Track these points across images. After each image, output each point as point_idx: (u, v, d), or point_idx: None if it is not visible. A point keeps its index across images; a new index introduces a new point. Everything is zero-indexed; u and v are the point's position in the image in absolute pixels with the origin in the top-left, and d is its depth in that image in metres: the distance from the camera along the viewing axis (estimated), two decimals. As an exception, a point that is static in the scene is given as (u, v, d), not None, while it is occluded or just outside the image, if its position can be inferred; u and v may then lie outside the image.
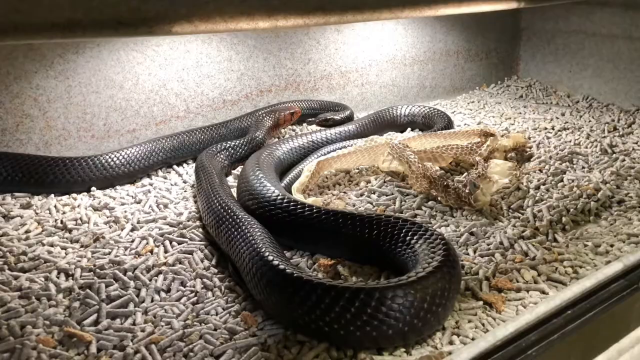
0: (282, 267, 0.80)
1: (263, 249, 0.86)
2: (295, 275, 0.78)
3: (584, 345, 0.71)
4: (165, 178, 1.36)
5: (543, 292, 0.89)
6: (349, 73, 1.79)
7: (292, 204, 1.02)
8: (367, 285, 0.76)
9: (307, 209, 1.00)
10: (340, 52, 1.74)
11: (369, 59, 1.82)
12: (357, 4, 1.06)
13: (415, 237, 0.89)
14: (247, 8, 1.05)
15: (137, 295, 0.89)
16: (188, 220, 1.13)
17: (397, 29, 1.86)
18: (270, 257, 0.83)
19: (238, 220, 0.98)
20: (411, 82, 1.97)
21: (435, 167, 1.30)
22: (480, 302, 0.86)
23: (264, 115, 1.53)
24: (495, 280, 0.91)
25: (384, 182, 1.32)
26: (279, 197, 1.04)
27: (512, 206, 1.21)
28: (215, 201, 1.06)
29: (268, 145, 1.32)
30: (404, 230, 0.91)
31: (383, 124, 1.68)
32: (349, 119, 1.67)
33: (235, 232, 0.96)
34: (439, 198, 1.23)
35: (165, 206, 1.21)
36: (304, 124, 1.68)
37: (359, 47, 1.78)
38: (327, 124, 1.62)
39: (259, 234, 0.92)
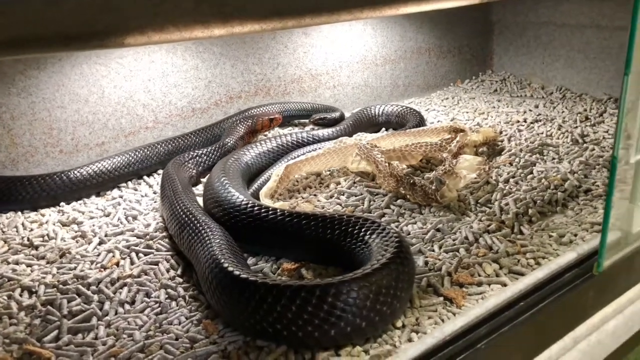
0: (233, 270, 0.81)
1: (218, 254, 0.86)
2: (248, 278, 0.78)
3: (537, 336, 0.72)
4: (136, 190, 1.36)
5: (504, 285, 0.89)
6: (320, 75, 1.79)
7: (255, 208, 1.02)
8: (310, 282, 0.76)
9: (269, 213, 1.00)
10: (309, 55, 1.74)
11: (339, 61, 1.83)
12: (314, 7, 1.06)
13: (370, 234, 0.89)
14: (201, 16, 1.05)
15: (101, 309, 0.89)
16: (155, 231, 1.13)
17: (366, 29, 1.87)
18: (224, 262, 0.83)
19: (199, 226, 0.98)
20: (384, 82, 1.97)
21: (402, 165, 1.30)
22: (441, 298, 0.87)
23: (238, 121, 1.53)
24: (457, 275, 0.92)
25: (354, 182, 1.32)
26: (243, 203, 1.04)
27: (479, 200, 1.22)
28: (178, 208, 1.06)
29: (236, 151, 1.32)
30: (360, 228, 0.91)
31: (362, 124, 1.69)
32: (342, 118, 1.71)
33: (196, 238, 0.96)
34: (407, 196, 1.23)
35: (135, 218, 1.21)
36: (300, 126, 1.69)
37: (328, 49, 1.79)
38: (323, 122, 1.68)
39: (217, 239, 0.92)
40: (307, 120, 1.77)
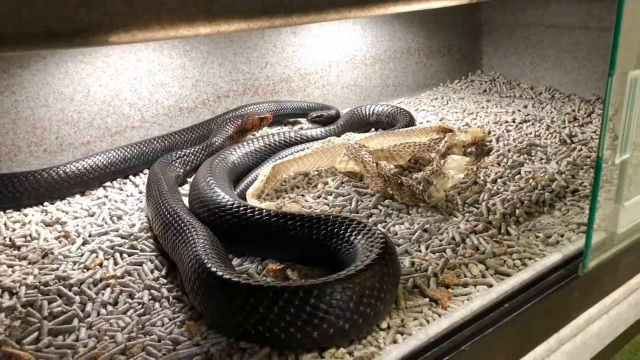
0: (216, 270, 0.80)
1: (201, 254, 0.85)
2: (230, 279, 0.77)
3: (522, 337, 0.71)
4: (121, 189, 1.34)
5: (490, 286, 0.89)
6: (309, 75, 1.79)
7: (241, 208, 1.01)
8: (293, 284, 0.75)
9: (255, 213, 0.99)
10: (298, 55, 1.73)
11: (329, 60, 1.82)
12: (302, 6, 1.05)
13: (355, 235, 0.88)
14: (187, 14, 1.04)
15: (82, 310, 0.88)
16: (140, 231, 1.12)
17: (355, 29, 1.86)
18: (207, 262, 0.82)
19: (183, 226, 0.97)
20: (373, 82, 1.97)
21: (390, 165, 1.30)
22: (427, 299, 0.86)
23: (227, 120, 1.52)
24: (443, 276, 0.91)
25: (342, 183, 1.31)
26: (229, 203, 1.03)
27: (467, 201, 1.22)
28: (162, 207, 1.05)
29: (222, 150, 1.31)
30: (346, 229, 0.90)
31: (353, 124, 1.68)
32: (338, 116, 1.70)
33: (180, 238, 0.95)
34: (395, 196, 1.23)
35: (119, 218, 1.19)
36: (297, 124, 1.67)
37: (317, 49, 1.78)
38: (320, 120, 1.66)
39: (201, 239, 0.91)
40: (300, 120, 1.77)
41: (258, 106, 1.66)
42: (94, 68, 1.36)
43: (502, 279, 0.90)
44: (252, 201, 1.17)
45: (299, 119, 1.78)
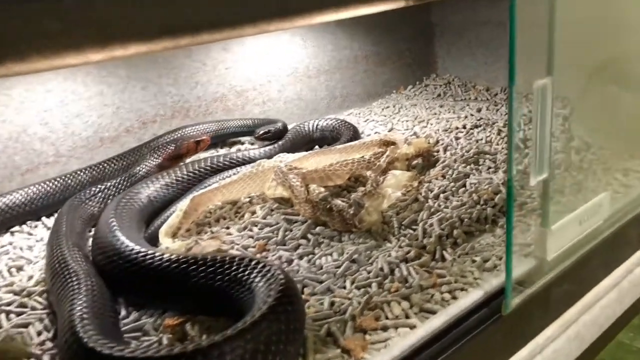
0: (83, 338, 0.69)
1: (75, 315, 0.74)
2: (95, 348, 0.66)
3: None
4: (30, 234, 1.22)
5: (412, 327, 0.78)
6: (246, 92, 1.68)
7: (135, 254, 0.90)
8: (175, 349, 0.65)
9: (149, 258, 0.88)
10: (232, 71, 1.63)
11: (267, 75, 1.71)
12: (213, 22, 0.95)
13: (254, 277, 0.78)
14: (72, 41, 0.92)
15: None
16: (36, 285, 1.00)
17: (294, 40, 1.76)
18: (78, 327, 0.71)
19: (67, 276, 0.86)
20: (319, 94, 1.87)
21: (320, 189, 1.19)
22: (339, 350, 0.75)
23: (156, 146, 1.41)
24: (360, 319, 0.80)
25: (271, 210, 1.20)
26: (125, 248, 0.92)
27: (404, 222, 1.11)
28: (53, 254, 0.95)
29: (135, 185, 1.20)
30: (244, 271, 0.80)
31: (296, 143, 1.58)
32: (286, 128, 1.59)
33: (62, 292, 0.84)
34: (327, 222, 1.12)
35: (20, 269, 1.07)
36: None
37: (253, 64, 1.67)
38: (268, 136, 1.54)
39: (82, 294, 0.80)
40: (242, 139, 1.66)
41: (196, 127, 1.55)
42: (-5, 103, 1.25)
43: (427, 318, 0.80)
44: (165, 241, 1.06)
45: (240, 139, 1.67)
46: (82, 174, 1.33)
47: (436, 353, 0.64)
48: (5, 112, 1.26)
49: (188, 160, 1.39)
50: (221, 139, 1.63)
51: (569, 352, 0.73)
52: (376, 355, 0.67)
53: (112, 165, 1.40)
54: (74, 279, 0.85)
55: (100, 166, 1.37)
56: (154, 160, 1.37)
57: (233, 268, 0.81)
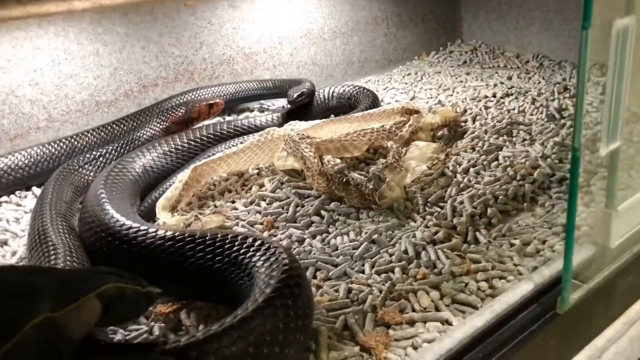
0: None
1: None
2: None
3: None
4: (19, 205, 1.12)
5: (446, 323, 0.67)
6: (256, 55, 1.55)
7: (130, 230, 0.79)
8: (169, 344, 0.54)
9: (141, 235, 0.77)
10: (240, 32, 1.49)
11: (279, 37, 1.58)
12: None
13: (252, 258, 0.67)
14: (52, -17, 0.78)
15: None
16: (20, 261, 0.90)
17: (308, -2, 1.61)
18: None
19: (46, 249, 0.75)
20: (335, 59, 1.72)
21: (336, 160, 1.07)
22: (357, 348, 0.64)
23: (164, 110, 1.28)
24: (382, 312, 0.69)
25: (281, 184, 1.08)
26: (114, 222, 0.81)
27: (430, 199, 0.99)
28: (34, 224, 0.84)
29: (129, 153, 1.08)
30: (244, 251, 0.68)
31: (313, 110, 1.44)
32: (314, 90, 1.42)
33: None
34: (343, 198, 1.00)
35: (4, 244, 0.97)
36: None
37: (264, 24, 1.53)
38: (303, 99, 1.36)
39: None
40: (254, 105, 1.53)
41: (210, 90, 1.42)
42: (-22, 60, 1.14)
43: (462, 312, 0.68)
44: (162, 215, 0.95)
45: (249, 105, 1.55)
46: (90, 135, 1.23)
47: (483, 356, 0.52)
48: (-10, 71, 1.15)
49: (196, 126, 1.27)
50: (239, 102, 1.51)
51: (631, 354, 0.62)
52: (409, 357, 0.56)
53: (124, 126, 1.28)
54: (52, 253, 0.74)
55: (110, 127, 1.26)
56: (160, 123, 1.25)
57: (231, 248, 0.70)
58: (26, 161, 1.14)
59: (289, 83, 1.48)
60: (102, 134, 1.25)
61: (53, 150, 1.17)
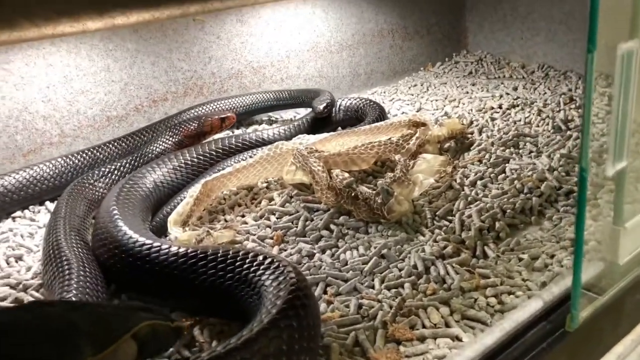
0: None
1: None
2: None
3: None
4: (32, 220, 1.14)
5: (456, 339, 0.68)
6: (263, 68, 1.56)
7: (144, 247, 0.81)
8: None
9: (154, 252, 0.78)
10: (248, 46, 1.51)
11: (286, 50, 1.59)
12: None
13: (260, 275, 0.68)
14: (66, 6, 0.81)
15: None
16: (34, 277, 0.92)
17: (315, 12, 1.63)
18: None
19: (59, 264, 0.77)
20: (342, 71, 1.74)
21: (345, 174, 1.08)
22: (368, 365, 0.65)
23: (175, 124, 1.30)
24: (393, 327, 0.70)
25: (290, 197, 1.10)
26: (127, 239, 0.82)
27: (438, 212, 1.00)
28: (49, 239, 0.86)
29: (140, 168, 1.10)
30: (252, 268, 0.69)
31: (317, 124, 1.45)
32: (335, 100, 1.46)
33: (54, 282, 0.75)
34: (352, 211, 1.01)
35: (19, 259, 0.99)
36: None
37: (271, 37, 1.55)
38: (329, 109, 1.40)
39: (73, 286, 0.71)
40: (263, 117, 1.55)
41: (223, 102, 1.44)
42: (-7, 78, 1.16)
43: (472, 327, 0.69)
44: (174, 230, 0.96)
45: (255, 118, 1.56)
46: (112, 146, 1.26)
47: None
48: (4, 88, 1.17)
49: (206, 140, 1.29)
50: (255, 114, 1.53)
51: (640, 371, 0.62)
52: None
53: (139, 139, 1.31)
54: (66, 268, 0.76)
55: (124, 140, 1.28)
56: (172, 137, 1.27)
57: (241, 265, 0.71)
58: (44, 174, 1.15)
59: (306, 92, 1.51)
60: (117, 147, 1.27)
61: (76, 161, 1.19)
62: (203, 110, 1.41)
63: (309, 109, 1.45)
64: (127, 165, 1.18)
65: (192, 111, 1.40)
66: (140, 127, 1.33)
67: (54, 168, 1.18)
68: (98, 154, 1.24)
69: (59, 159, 1.18)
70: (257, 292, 0.66)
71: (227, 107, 1.43)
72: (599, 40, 0.56)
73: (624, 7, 0.54)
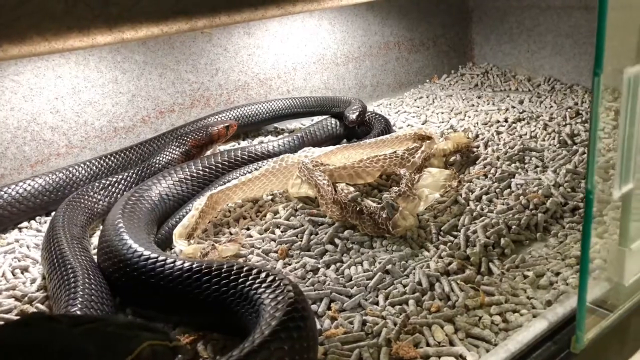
0: None
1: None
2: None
3: None
4: (39, 231, 1.14)
5: (460, 358, 0.67)
6: (270, 80, 1.57)
7: (149, 260, 0.81)
8: None
9: (158, 266, 0.78)
10: (255, 58, 1.52)
11: (293, 62, 1.60)
12: (232, 1, 0.85)
13: (258, 291, 0.68)
14: (76, 21, 0.81)
15: None
16: (39, 289, 0.92)
17: (322, 24, 1.64)
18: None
19: (65, 273, 0.77)
20: (348, 83, 1.75)
21: (350, 188, 1.08)
22: (372, 384, 0.65)
23: (181, 134, 1.31)
24: (397, 345, 0.70)
25: (295, 211, 1.10)
26: (132, 253, 0.82)
27: (443, 227, 1.00)
28: (50, 248, 0.87)
29: (146, 181, 1.10)
30: (246, 283, 0.70)
31: (323, 136, 1.46)
32: (366, 107, 1.47)
33: (60, 291, 0.75)
34: (357, 226, 1.02)
35: (25, 270, 0.99)
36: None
37: (278, 50, 1.56)
38: (361, 118, 1.41)
39: (77, 299, 0.71)
40: (270, 129, 1.55)
41: (239, 110, 1.45)
42: (2, 89, 1.17)
43: (476, 346, 0.69)
44: (179, 243, 0.96)
45: (262, 129, 1.57)
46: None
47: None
48: (14, 99, 1.18)
49: (207, 153, 1.30)
50: (270, 122, 1.55)
51: (646, 393, 0.62)
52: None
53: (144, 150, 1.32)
54: (71, 276, 0.76)
55: (127, 152, 1.29)
56: (180, 147, 1.27)
57: (244, 281, 0.71)
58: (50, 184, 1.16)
59: (334, 101, 1.52)
60: (123, 158, 1.28)
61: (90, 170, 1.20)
62: (227, 117, 1.43)
63: (319, 118, 1.46)
64: (135, 174, 1.19)
65: (217, 117, 1.42)
66: (147, 138, 1.34)
67: (64, 177, 1.18)
68: (105, 163, 1.25)
69: (71, 168, 1.19)
70: (256, 309, 0.66)
71: (249, 113, 1.45)
72: (606, 60, 0.56)
73: (632, 29, 0.54)
